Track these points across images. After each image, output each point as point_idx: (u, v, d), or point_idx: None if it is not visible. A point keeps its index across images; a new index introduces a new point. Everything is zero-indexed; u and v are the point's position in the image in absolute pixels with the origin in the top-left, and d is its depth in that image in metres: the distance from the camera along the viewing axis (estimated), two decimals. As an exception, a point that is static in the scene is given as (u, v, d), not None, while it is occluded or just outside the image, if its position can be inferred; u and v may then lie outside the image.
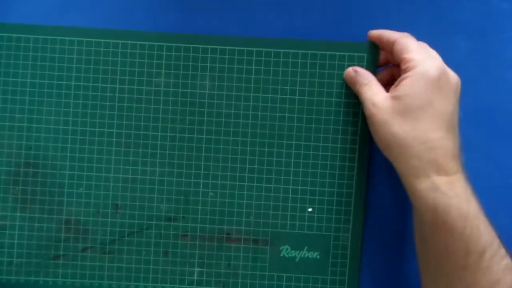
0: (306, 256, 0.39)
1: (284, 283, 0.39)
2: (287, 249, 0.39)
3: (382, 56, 0.39)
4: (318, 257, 0.39)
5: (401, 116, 0.32)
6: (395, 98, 0.32)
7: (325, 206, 0.39)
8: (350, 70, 0.38)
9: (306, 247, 0.39)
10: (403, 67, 0.33)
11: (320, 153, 0.39)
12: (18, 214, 0.39)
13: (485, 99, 0.40)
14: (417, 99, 0.32)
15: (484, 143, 0.40)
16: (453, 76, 0.34)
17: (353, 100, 0.39)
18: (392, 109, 0.32)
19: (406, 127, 0.32)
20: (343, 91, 0.39)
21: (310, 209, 0.39)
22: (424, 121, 0.31)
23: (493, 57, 0.40)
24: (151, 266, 0.39)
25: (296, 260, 0.39)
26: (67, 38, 0.39)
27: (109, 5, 0.41)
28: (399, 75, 0.34)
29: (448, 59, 0.39)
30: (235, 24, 0.40)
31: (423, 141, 0.31)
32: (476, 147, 0.40)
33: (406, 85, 0.32)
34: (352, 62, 0.39)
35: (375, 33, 0.38)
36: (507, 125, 0.40)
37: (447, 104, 0.32)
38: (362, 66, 0.39)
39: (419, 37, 0.39)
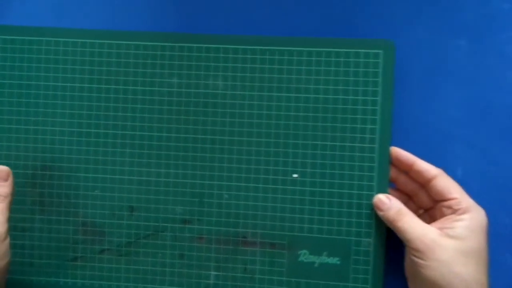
0: (325, 261, 0.38)
1: (300, 289, 0.38)
2: (305, 253, 0.38)
3: (394, 173, 0.38)
4: (338, 262, 0.38)
5: (464, 257, 0.33)
6: (454, 238, 0.33)
7: (344, 209, 0.38)
8: (377, 202, 0.37)
9: (325, 252, 0.38)
10: (455, 207, 0.34)
11: (338, 153, 0.38)
12: (36, 216, 0.40)
13: (485, 99, 0.39)
14: (477, 243, 0.33)
15: (484, 143, 0.39)
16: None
17: (370, 98, 0.38)
18: (454, 249, 0.33)
19: (469, 269, 0.33)
20: (360, 88, 0.38)
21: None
22: (481, 264, 0.33)
23: (493, 57, 0.39)
24: (167, 269, 0.39)
25: (315, 265, 0.38)
26: (80, 40, 0.39)
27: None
28: (417, 196, 0.37)
29: (448, 59, 0.40)
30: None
31: (481, 284, 0.33)
32: (476, 147, 0.39)
33: (466, 228, 0.34)
34: (367, 59, 0.37)
35: (406, 156, 0.37)
36: (507, 125, 0.39)
37: (488, 250, 0.34)
38: (377, 64, 0.37)
39: (419, 37, 0.39)
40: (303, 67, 0.38)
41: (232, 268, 0.39)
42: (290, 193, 0.38)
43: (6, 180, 0.36)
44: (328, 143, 0.38)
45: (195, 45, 0.39)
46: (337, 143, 0.38)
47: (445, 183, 0.35)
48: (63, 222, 0.40)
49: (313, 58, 0.38)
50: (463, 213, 0.34)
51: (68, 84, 0.39)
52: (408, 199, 0.38)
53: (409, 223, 0.35)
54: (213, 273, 0.39)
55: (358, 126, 0.38)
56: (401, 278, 0.38)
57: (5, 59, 0.40)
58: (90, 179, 0.39)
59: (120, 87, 0.39)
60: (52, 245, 0.40)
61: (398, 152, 0.37)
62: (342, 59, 0.38)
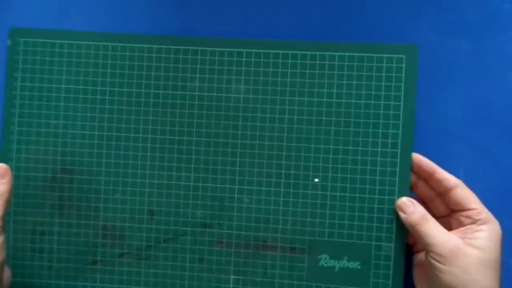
0: (346, 266, 0.38)
1: (323, 294, 0.38)
2: (325, 258, 0.38)
3: (413, 179, 0.38)
4: (359, 267, 0.38)
5: (484, 266, 0.34)
6: (476, 248, 0.34)
7: (365, 214, 0.38)
8: (401, 205, 0.37)
9: (346, 257, 0.38)
10: (475, 217, 0.35)
11: (359, 157, 0.38)
12: (56, 220, 0.39)
13: (485, 99, 0.39)
14: (495, 253, 0.34)
15: (484, 143, 0.39)
16: None
17: (393, 102, 0.38)
18: (476, 258, 0.34)
19: (486, 277, 0.34)
20: (382, 93, 0.38)
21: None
22: (497, 274, 0.34)
23: (493, 57, 0.39)
24: (186, 273, 0.39)
25: (336, 269, 0.38)
26: (102, 43, 0.39)
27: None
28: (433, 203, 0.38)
29: (449, 59, 0.40)
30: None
31: None
32: (476, 147, 0.39)
33: (486, 238, 0.34)
34: (391, 63, 0.38)
35: (428, 163, 0.37)
36: (508, 125, 0.39)
37: (502, 260, 0.35)
38: (400, 68, 0.38)
39: (420, 37, 0.40)
40: (326, 72, 0.38)
41: (252, 272, 0.39)
42: (311, 197, 0.38)
43: (3, 177, 0.36)
44: (350, 147, 0.38)
45: (217, 49, 0.39)
46: (359, 148, 0.38)
47: (465, 193, 0.36)
48: (83, 226, 0.39)
49: (336, 63, 0.38)
50: (483, 223, 0.35)
51: (89, 87, 0.39)
52: (424, 206, 0.38)
53: (432, 228, 0.35)
54: (233, 277, 0.39)
55: (380, 131, 0.38)
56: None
57: (26, 62, 0.40)
58: (111, 182, 0.39)
59: (142, 90, 0.39)
60: (72, 248, 0.39)
61: (420, 159, 0.37)
62: (365, 64, 0.38)
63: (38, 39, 0.40)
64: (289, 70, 0.38)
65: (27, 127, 0.39)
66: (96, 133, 0.39)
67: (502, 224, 0.35)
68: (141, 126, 0.39)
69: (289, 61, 0.38)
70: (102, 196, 0.39)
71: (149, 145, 0.39)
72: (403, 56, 0.37)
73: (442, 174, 0.36)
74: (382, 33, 0.40)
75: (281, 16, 0.40)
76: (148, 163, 0.39)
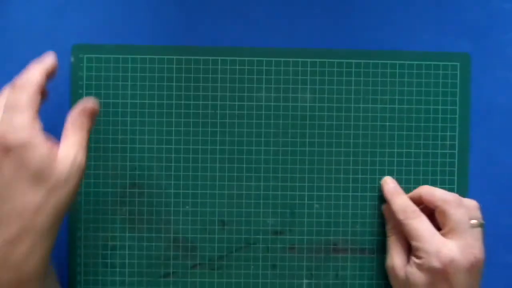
0: (413, 262, 0.40)
1: (397, 290, 0.40)
2: (394, 256, 0.40)
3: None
4: (427, 263, 0.40)
5: None
6: None
7: (430, 212, 0.40)
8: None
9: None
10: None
11: (421, 159, 0.40)
12: (127, 234, 0.39)
13: (486, 100, 0.40)
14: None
15: (485, 143, 0.40)
16: None
17: (449, 107, 0.40)
18: None
19: None
20: (440, 98, 0.40)
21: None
22: None
23: (495, 57, 0.40)
24: (260, 280, 0.40)
25: (404, 266, 0.40)
26: (166, 57, 0.40)
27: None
28: None
29: None
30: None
31: None
32: (477, 147, 0.40)
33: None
34: (446, 71, 0.40)
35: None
36: (509, 125, 0.41)
37: None
38: (455, 75, 0.40)
39: (421, 38, 0.40)
40: (388, 79, 0.40)
41: (324, 275, 0.40)
42: (378, 199, 0.40)
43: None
44: (412, 150, 0.40)
45: (282, 59, 0.40)
46: (421, 150, 0.40)
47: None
48: (154, 239, 0.39)
49: (397, 71, 0.40)
50: None
51: (155, 101, 0.40)
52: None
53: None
54: (305, 281, 0.40)
55: (439, 133, 0.40)
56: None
57: (89, 78, 0.39)
58: (180, 195, 0.40)
59: (208, 102, 0.40)
60: (143, 262, 0.39)
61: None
62: (423, 71, 0.40)
63: (101, 54, 0.40)
64: (353, 79, 0.40)
65: (95, 144, 0.39)
66: (164, 146, 0.40)
67: (501, 223, 0.35)
68: (209, 138, 0.40)
69: (353, 70, 0.40)
70: (172, 208, 0.40)
71: (217, 156, 0.40)
72: (457, 63, 0.40)
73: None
74: (382, 33, 0.40)
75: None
76: (217, 174, 0.40)
